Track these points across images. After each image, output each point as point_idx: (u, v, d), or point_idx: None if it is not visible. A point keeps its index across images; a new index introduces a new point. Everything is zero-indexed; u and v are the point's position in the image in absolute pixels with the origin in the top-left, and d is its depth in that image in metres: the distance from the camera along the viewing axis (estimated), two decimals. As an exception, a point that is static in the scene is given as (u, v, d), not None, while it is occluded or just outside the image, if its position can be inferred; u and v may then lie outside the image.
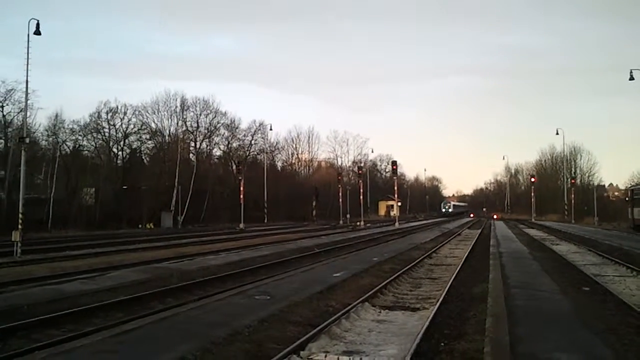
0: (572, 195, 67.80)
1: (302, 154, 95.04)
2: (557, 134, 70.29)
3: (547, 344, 7.79)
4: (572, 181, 73.92)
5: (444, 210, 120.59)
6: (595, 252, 23.60)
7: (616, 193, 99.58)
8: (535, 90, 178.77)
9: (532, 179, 78.70)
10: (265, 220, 63.80)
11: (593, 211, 65.82)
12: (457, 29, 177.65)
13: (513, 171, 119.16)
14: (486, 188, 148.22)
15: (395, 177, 63.95)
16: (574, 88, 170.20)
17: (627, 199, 76.27)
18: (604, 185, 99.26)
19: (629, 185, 78.13)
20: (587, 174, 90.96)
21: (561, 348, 7.54)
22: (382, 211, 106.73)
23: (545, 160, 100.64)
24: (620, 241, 28.64)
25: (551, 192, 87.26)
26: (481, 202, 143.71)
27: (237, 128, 74.14)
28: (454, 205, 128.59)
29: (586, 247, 26.60)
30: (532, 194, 75.32)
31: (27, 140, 28.06)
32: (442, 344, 8.27)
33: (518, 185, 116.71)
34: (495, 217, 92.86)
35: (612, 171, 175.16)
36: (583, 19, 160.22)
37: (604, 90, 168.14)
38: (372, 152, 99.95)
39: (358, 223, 57.72)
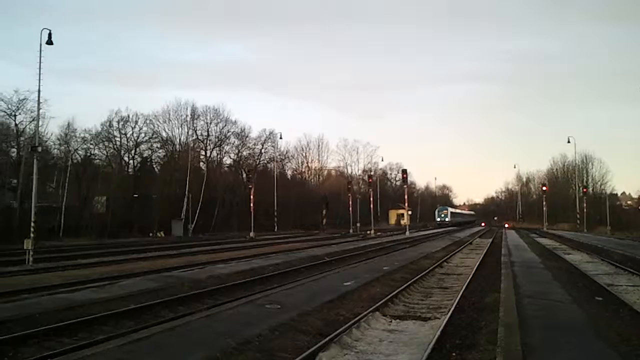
0: (584, 204, 67.28)
1: (312, 162, 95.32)
2: (569, 142, 69.92)
3: (559, 354, 7.71)
4: (584, 190, 73.36)
5: (438, 219, 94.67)
6: (608, 262, 23.38)
7: (629, 202, 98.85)
8: (547, 97, 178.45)
9: (544, 188, 78.30)
10: (275, 229, 63.87)
11: (605, 220, 65.29)
12: (468, 35, 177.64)
13: (524, 180, 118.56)
14: (497, 197, 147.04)
15: (405, 186, 63.84)
16: (586, 95, 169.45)
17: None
18: (616, 194, 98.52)
19: (642, 194, 77.64)
20: (599, 183, 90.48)
21: (574, 359, 7.46)
22: (392, 220, 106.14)
23: (556, 169, 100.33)
24: (634, 250, 28.34)
25: (563, 200, 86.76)
26: (492, 210, 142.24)
27: (247, 137, 74.69)
28: (452, 213, 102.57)
29: (599, 256, 26.37)
30: (544, 203, 74.90)
31: (39, 149, 28.42)
32: (454, 354, 8.21)
33: (530, 194, 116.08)
34: (506, 226, 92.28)
35: (624, 180, 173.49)
36: (594, 24, 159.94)
37: (616, 97, 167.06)
38: (382, 160, 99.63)
39: (368, 232, 57.55)
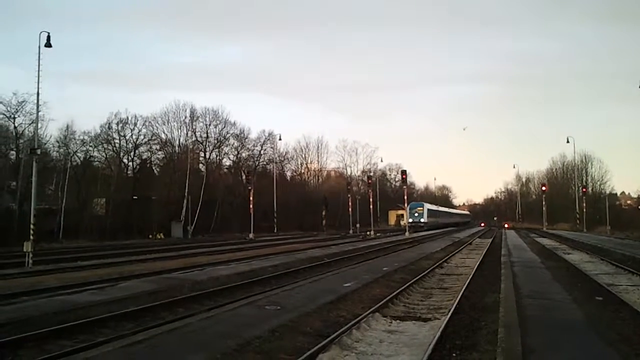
0: (584, 204, 67.30)
1: (311, 163, 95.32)
2: (568, 142, 70.02)
3: (560, 354, 7.70)
4: (584, 190, 73.37)
5: (411, 220, 67.01)
6: (608, 262, 23.36)
7: (628, 201, 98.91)
8: (546, 97, 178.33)
9: (543, 188, 78.22)
10: (275, 230, 63.84)
11: (605, 220, 65.28)
12: (467, 35, 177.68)
13: (524, 180, 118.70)
14: (497, 197, 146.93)
15: (404, 187, 63.74)
16: (585, 94, 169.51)
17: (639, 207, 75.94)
18: (616, 194, 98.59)
19: (642, 194, 77.67)
20: (598, 183, 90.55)
21: (574, 359, 7.45)
22: (392, 220, 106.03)
23: (556, 169, 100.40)
24: (634, 250, 28.36)
25: (562, 200, 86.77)
26: (492, 211, 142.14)
27: (246, 138, 74.65)
28: (431, 211, 77.81)
29: (599, 256, 26.34)
30: (544, 203, 74.83)
31: (39, 151, 28.38)
32: (454, 354, 8.19)
33: (529, 194, 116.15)
34: (506, 226, 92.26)
35: (624, 179, 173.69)
36: (594, 24, 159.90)
37: (616, 97, 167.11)
38: (382, 161, 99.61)
39: (368, 232, 57.54)
